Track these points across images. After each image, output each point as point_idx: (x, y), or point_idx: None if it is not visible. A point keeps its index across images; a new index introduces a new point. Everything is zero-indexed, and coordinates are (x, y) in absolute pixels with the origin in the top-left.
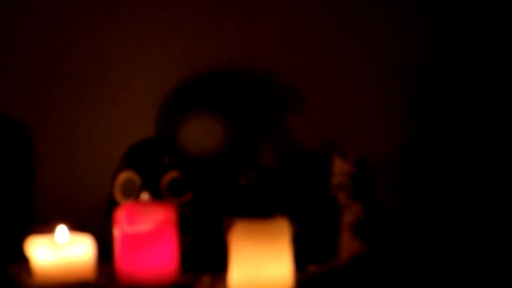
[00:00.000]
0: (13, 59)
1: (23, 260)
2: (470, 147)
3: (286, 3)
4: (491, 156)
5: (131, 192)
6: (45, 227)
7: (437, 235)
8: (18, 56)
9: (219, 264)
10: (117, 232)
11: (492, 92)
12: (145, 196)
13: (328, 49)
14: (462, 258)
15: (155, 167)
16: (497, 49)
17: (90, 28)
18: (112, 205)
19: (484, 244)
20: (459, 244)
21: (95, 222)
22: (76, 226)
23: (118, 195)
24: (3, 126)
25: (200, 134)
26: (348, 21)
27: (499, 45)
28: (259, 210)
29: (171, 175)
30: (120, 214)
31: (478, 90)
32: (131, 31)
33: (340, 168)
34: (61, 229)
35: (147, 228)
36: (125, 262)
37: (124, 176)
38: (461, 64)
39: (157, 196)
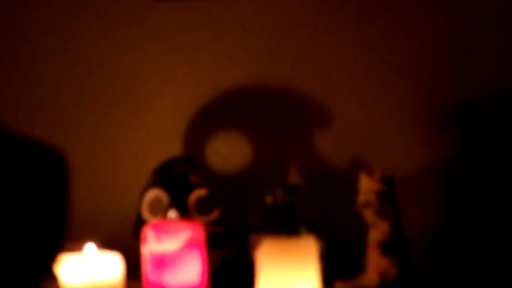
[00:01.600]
0: (40, 79)
1: (53, 279)
2: (497, 164)
3: (313, 22)
4: None
5: (159, 210)
6: (75, 245)
7: (467, 253)
8: (46, 76)
9: (247, 282)
10: (145, 251)
11: None
12: (172, 214)
13: (355, 67)
14: (491, 274)
15: (183, 185)
16: None
17: (117, 47)
18: (140, 223)
19: None
20: (488, 261)
21: (123, 240)
22: (105, 244)
23: (146, 213)
24: (31, 146)
25: (227, 152)
26: (375, 38)
27: None
28: (286, 228)
29: (199, 193)
30: (148, 233)
31: (507, 107)
32: (159, 50)
33: (366, 185)
34: (90, 248)
35: (175, 247)
36: (154, 281)
37: (152, 194)
38: (490, 80)
39: (185, 214)
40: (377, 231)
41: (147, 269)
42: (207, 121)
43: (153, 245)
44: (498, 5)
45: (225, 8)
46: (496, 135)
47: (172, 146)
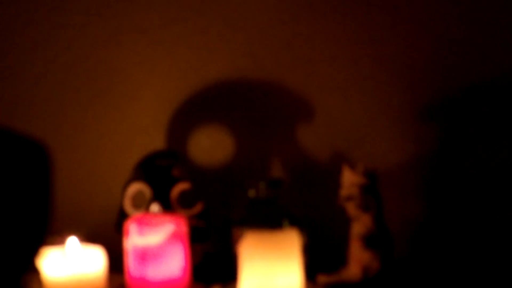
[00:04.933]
0: (21, 72)
1: (35, 272)
2: (480, 157)
3: (296, 15)
4: (500, 165)
5: (142, 204)
6: (57, 239)
7: (449, 246)
8: (27, 70)
9: (230, 276)
10: (128, 244)
11: (503, 104)
12: (155, 208)
13: (337, 61)
14: (474, 268)
15: (165, 179)
16: (508, 60)
17: (99, 41)
18: (122, 217)
19: (496, 253)
20: (471, 255)
21: (106, 234)
22: (88, 238)
23: (128, 207)
24: (15, 139)
25: (210, 146)
26: (357, 32)
27: (509, 56)
28: (269, 222)
29: (181, 186)
30: (131, 226)
31: (489, 101)
32: (140, 44)
33: (349, 179)
34: (73, 241)
35: (158, 240)
36: (136, 274)
37: (134, 188)
38: (472, 74)
39: (168, 208)
40: (360, 225)
41: (130, 263)
42: (189, 115)
43: (135, 238)
44: (480, 1)
45: (207, 2)
46: (477, 129)
47: (154, 140)
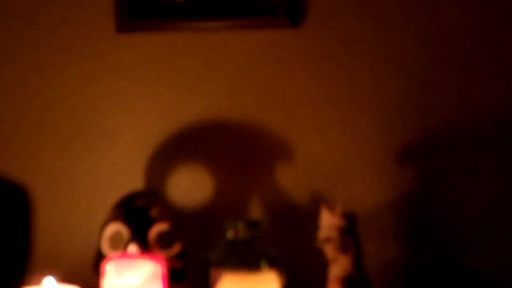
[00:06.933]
0: (0, 112)
1: None
2: (457, 199)
3: (275, 56)
4: (477, 207)
5: (120, 245)
6: (34, 279)
7: (427, 287)
8: (6, 108)
9: None
10: (105, 285)
11: (480, 145)
12: (133, 248)
13: (316, 102)
14: None
15: (143, 219)
16: (485, 102)
17: (78, 80)
18: (100, 257)
19: None
20: None
21: (83, 274)
22: (65, 278)
23: (106, 247)
24: None
25: (188, 186)
26: (336, 74)
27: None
28: (247, 263)
29: (160, 227)
30: (108, 266)
31: (466, 143)
32: (120, 83)
33: (327, 221)
34: (50, 281)
35: (136, 281)
36: None
37: (112, 228)
38: (450, 116)
39: (146, 248)
40: (338, 267)
41: None
42: (168, 155)
43: (113, 279)
44: (457, 42)
45: (187, 42)
46: (455, 171)
47: (133, 180)
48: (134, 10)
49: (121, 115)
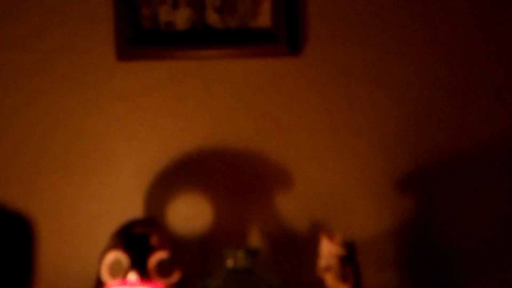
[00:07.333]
0: (0, 138)
1: None
2: (457, 228)
3: (274, 84)
4: (477, 236)
5: (119, 272)
6: None
7: None
8: (6, 135)
9: None
10: None
11: (478, 175)
12: (132, 276)
13: (316, 129)
14: None
15: (143, 247)
16: (484, 131)
17: (79, 107)
18: (100, 285)
19: None
20: None
21: None
22: None
23: (105, 275)
24: None
25: (188, 214)
26: (335, 101)
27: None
28: None
29: (159, 255)
30: None
31: (465, 172)
32: (120, 110)
33: (327, 249)
34: None
35: None
36: None
37: (112, 256)
38: (448, 145)
39: (145, 276)
40: None
41: None
42: (168, 182)
43: None
44: (456, 70)
45: (187, 70)
46: (455, 199)
47: (133, 207)
48: (134, 38)
49: (121, 143)
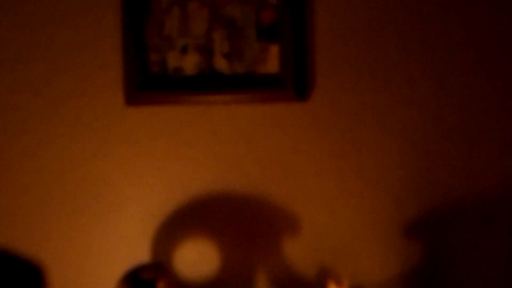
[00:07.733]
0: (10, 184)
1: None
2: (465, 274)
3: (282, 129)
4: (485, 283)
5: None
6: None
7: None
8: (15, 180)
9: None
10: None
11: (486, 221)
12: None
13: (323, 174)
14: None
15: None
16: (491, 177)
17: (87, 151)
18: None
19: None
20: None
21: None
22: None
23: None
24: (8, 259)
25: (195, 259)
26: (343, 146)
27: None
28: None
29: None
30: None
31: (473, 217)
32: (129, 155)
33: None
34: None
35: None
36: None
37: None
38: (456, 191)
39: None
40: None
41: None
42: (175, 227)
43: None
44: (463, 116)
45: (195, 114)
46: (462, 245)
47: (140, 252)
48: (142, 83)
49: (129, 187)
